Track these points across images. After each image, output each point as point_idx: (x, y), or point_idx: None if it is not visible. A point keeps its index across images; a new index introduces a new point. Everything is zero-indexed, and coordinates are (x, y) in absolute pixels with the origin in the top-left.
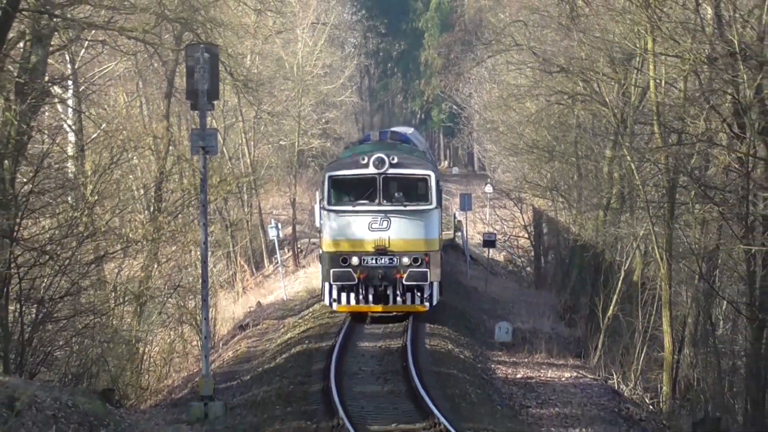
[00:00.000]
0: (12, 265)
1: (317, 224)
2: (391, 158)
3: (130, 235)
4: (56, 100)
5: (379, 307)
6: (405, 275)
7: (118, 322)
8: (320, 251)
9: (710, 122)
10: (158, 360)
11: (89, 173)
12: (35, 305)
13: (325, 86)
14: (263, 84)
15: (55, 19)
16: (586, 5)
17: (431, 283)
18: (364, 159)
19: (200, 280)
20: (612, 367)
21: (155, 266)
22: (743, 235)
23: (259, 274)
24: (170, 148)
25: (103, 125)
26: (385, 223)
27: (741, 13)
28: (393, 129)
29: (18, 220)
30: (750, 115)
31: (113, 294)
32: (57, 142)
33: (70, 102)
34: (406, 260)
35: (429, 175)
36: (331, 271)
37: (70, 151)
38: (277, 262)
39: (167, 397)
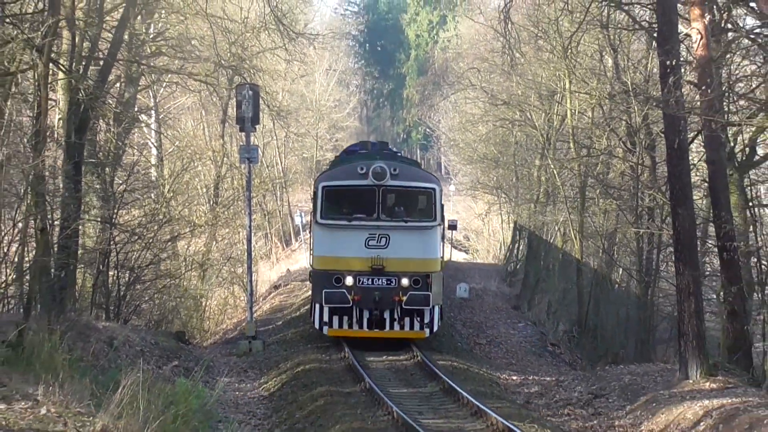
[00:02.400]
0: (111, 243)
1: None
2: (392, 169)
3: (196, 221)
4: (143, 124)
5: (374, 333)
6: (405, 298)
7: (187, 283)
8: (310, 269)
9: (610, 140)
10: (215, 311)
11: (166, 177)
12: (128, 271)
13: (335, 115)
14: (291, 113)
15: (142, 66)
16: (521, 56)
17: (433, 307)
18: (362, 169)
19: (246, 254)
20: (540, 316)
21: (214, 243)
22: (633, 221)
23: (288, 249)
24: (224, 158)
25: (177, 142)
26: (383, 240)
27: (632, 61)
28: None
29: (116, 211)
30: (639, 135)
31: (183, 263)
32: (143, 154)
33: (152, 126)
34: (405, 281)
35: (433, 189)
36: (324, 291)
37: (152, 161)
38: (301, 241)
39: (222, 337)
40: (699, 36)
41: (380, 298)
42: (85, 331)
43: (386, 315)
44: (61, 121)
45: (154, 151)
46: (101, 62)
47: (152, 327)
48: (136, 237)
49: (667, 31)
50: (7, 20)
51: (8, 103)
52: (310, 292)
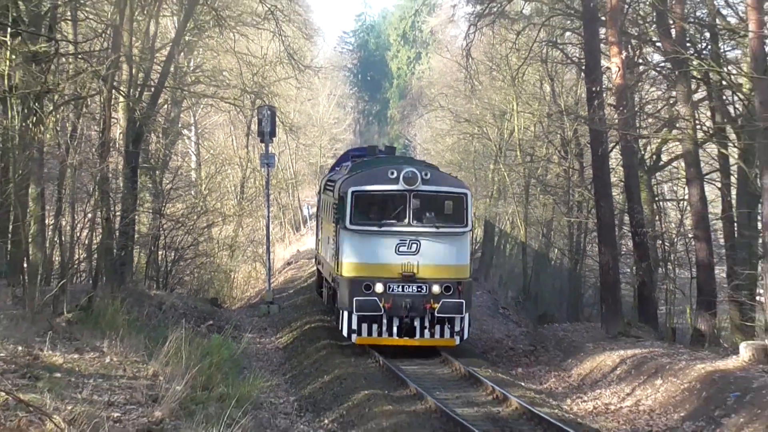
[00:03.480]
0: (160, 229)
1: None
2: (423, 173)
3: (226, 212)
4: (185, 137)
5: (404, 341)
6: (438, 306)
7: (219, 261)
8: (334, 275)
9: (548, 149)
10: (241, 282)
11: (203, 178)
12: (173, 251)
13: (335, 129)
14: (300, 128)
15: (184, 92)
16: (479, 84)
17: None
18: (393, 173)
19: (265, 237)
20: (493, 286)
21: (240, 229)
22: (566, 212)
23: (298, 234)
24: (248, 164)
25: (211, 151)
26: (413, 246)
27: (565, 88)
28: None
29: (164, 204)
30: (570, 145)
31: (216, 245)
32: (185, 160)
33: (192, 138)
34: (436, 288)
35: (465, 194)
36: (355, 300)
37: (192, 165)
38: (307, 227)
39: (246, 302)
40: (617, 68)
41: (411, 305)
42: (140, 298)
43: (416, 323)
44: (121, 135)
45: (193, 157)
46: (152, 89)
47: (192, 294)
48: (180, 224)
49: (592, 65)
50: (79, 56)
51: (80, 120)
52: (315, 271)
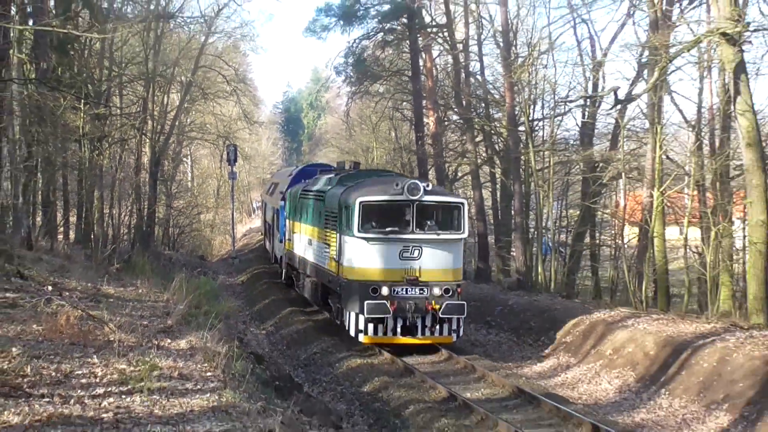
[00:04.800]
0: (170, 215)
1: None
2: (425, 185)
3: (209, 206)
4: (185, 162)
5: (408, 339)
6: (442, 307)
7: (205, 233)
8: (332, 277)
9: (394, 170)
10: (217, 246)
11: (195, 186)
12: (178, 228)
13: (271, 158)
14: (251, 157)
15: (184, 136)
16: (355, 131)
17: None
18: (397, 185)
19: (231, 220)
20: None
21: (216, 215)
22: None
23: (249, 218)
24: (221, 177)
25: (199, 170)
26: (416, 251)
27: (404, 133)
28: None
29: (172, 201)
30: (406, 168)
31: (203, 224)
32: (185, 175)
33: (189, 162)
34: (436, 291)
35: (462, 204)
36: (365, 303)
37: (189, 178)
38: (254, 216)
39: (220, 258)
40: (433, 122)
41: (414, 306)
42: (158, 256)
43: (418, 322)
44: (147, 161)
45: (189, 174)
46: (166, 134)
47: (189, 253)
48: (181, 213)
49: (418, 121)
50: (123, 115)
51: (123, 153)
52: (262, 238)
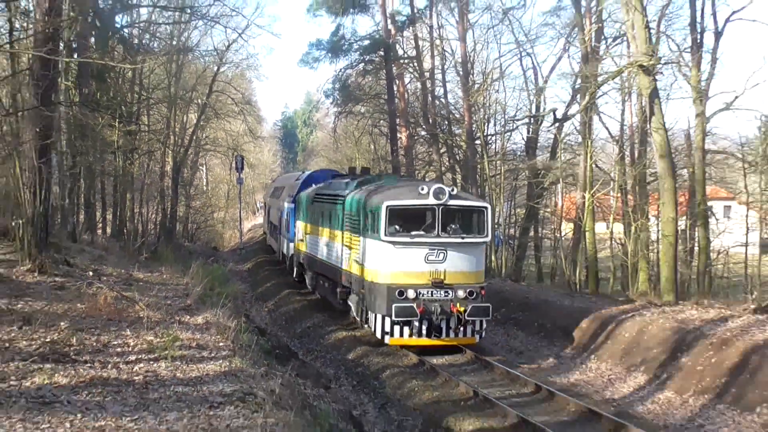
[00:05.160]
0: (189, 213)
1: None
2: (451, 189)
3: (220, 205)
4: (201, 168)
5: (433, 341)
6: (467, 309)
7: (217, 228)
8: (360, 280)
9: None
10: (228, 239)
11: (209, 189)
12: (195, 224)
13: (272, 166)
14: (255, 165)
15: (200, 148)
16: (341, 143)
17: None
18: (423, 189)
19: (239, 218)
20: None
21: (226, 213)
22: None
23: (254, 216)
24: (231, 182)
25: (213, 176)
26: (441, 255)
27: (382, 146)
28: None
29: (190, 202)
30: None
31: (216, 221)
32: (200, 180)
33: (204, 170)
34: (461, 293)
35: (486, 208)
36: (393, 306)
37: (204, 182)
38: (258, 214)
39: (230, 248)
40: (405, 137)
41: (440, 309)
42: (179, 247)
43: (443, 324)
44: (170, 169)
45: (204, 179)
46: (185, 147)
47: (204, 245)
48: (198, 211)
49: (393, 135)
50: (150, 132)
51: (150, 162)
52: (264, 234)
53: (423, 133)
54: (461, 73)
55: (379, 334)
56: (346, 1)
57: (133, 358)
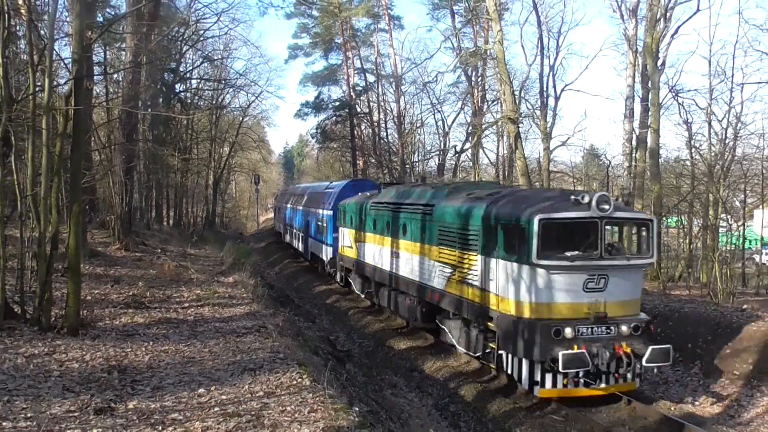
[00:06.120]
0: (223, 211)
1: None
2: (613, 198)
3: (244, 206)
4: (232, 182)
5: (592, 390)
6: (647, 353)
7: (243, 221)
8: (482, 309)
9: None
10: (249, 227)
11: (237, 196)
12: (227, 218)
13: (278, 182)
14: (267, 181)
15: (232, 170)
16: (323, 168)
17: None
18: (583, 198)
19: (256, 215)
20: None
21: (248, 211)
22: None
23: (267, 212)
24: (252, 191)
25: (239, 188)
26: (602, 281)
27: (351, 173)
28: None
29: (224, 205)
30: None
31: (242, 216)
32: (232, 190)
33: (234, 184)
34: (624, 329)
35: (652, 221)
36: (561, 354)
37: (234, 192)
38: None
39: (251, 233)
40: (362, 163)
41: (605, 352)
42: (218, 233)
43: (602, 368)
44: (211, 183)
45: (234, 189)
46: (221, 169)
47: (234, 231)
48: (230, 210)
49: (354, 162)
50: (199, 160)
51: (198, 179)
52: (273, 224)
53: (373, 160)
54: (397, 122)
55: (524, 385)
56: (324, 78)
57: (186, 305)
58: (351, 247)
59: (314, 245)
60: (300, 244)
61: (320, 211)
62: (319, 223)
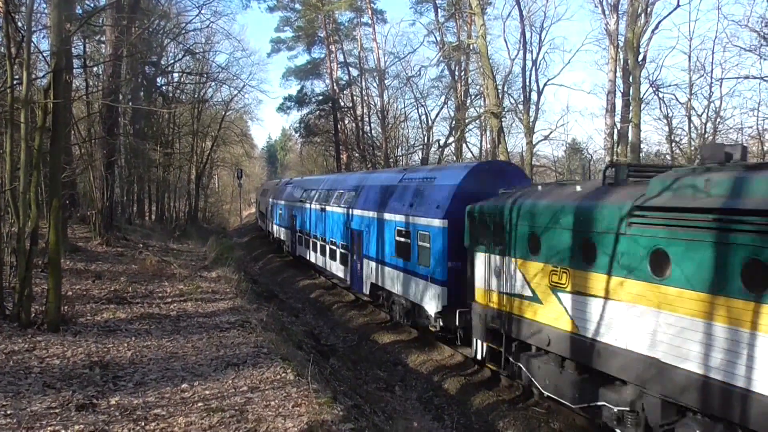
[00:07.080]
0: (206, 206)
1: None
2: None
3: (227, 201)
4: (214, 177)
5: None
6: None
7: (226, 215)
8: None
9: None
10: (232, 223)
11: (220, 190)
12: (210, 213)
13: (261, 175)
14: (249, 175)
15: (214, 164)
16: (307, 163)
17: None
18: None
19: (239, 208)
20: None
21: (231, 205)
22: None
23: (249, 207)
24: (234, 185)
25: (222, 182)
26: None
27: (331, 163)
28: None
29: (207, 199)
30: None
31: (224, 211)
32: (214, 184)
33: (217, 178)
34: None
35: None
36: None
37: (216, 186)
38: (250, 205)
39: (233, 228)
40: (345, 157)
41: None
42: (200, 228)
43: None
44: (194, 177)
45: (217, 184)
46: (203, 163)
47: (217, 226)
48: (212, 205)
49: (338, 157)
50: (181, 154)
51: (180, 173)
52: (255, 219)
53: (357, 154)
54: (380, 117)
55: None
56: (307, 72)
57: (169, 300)
58: (534, 297)
59: (394, 277)
60: (334, 264)
61: (411, 219)
62: (412, 242)
